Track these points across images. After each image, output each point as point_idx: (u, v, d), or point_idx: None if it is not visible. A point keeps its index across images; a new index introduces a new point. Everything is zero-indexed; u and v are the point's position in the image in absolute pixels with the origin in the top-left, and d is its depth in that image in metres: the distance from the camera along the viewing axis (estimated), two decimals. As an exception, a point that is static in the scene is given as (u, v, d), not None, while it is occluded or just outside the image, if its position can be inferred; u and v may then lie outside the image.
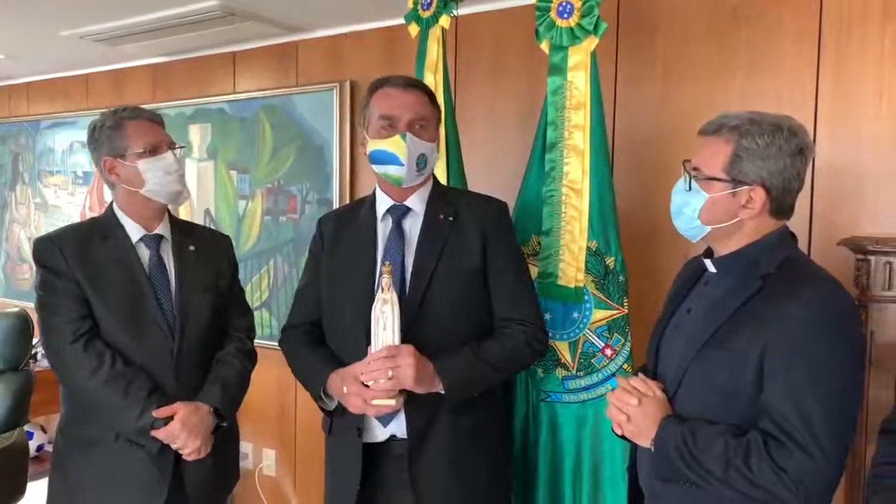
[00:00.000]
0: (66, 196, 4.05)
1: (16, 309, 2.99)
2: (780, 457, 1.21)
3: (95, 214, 2.58)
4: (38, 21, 2.96)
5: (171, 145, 1.83)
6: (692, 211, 1.36)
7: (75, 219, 3.81)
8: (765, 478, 1.21)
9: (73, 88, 3.97)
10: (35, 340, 2.97)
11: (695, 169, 1.36)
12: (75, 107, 3.96)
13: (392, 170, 1.66)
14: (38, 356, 3.51)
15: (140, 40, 3.13)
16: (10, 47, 3.44)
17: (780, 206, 1.34)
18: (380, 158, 1.67)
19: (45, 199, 4.16)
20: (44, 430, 3.85)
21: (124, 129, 1.78)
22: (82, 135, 3.86)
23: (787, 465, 1.20)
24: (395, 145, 1.63)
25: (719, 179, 1.33)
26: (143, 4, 2.72)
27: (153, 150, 1.79)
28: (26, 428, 2.91)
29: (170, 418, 1.71)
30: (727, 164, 1.32)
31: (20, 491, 2.74)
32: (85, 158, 3.92)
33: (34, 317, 1.95)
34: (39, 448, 3.72)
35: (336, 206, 2.93)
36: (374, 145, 1.67)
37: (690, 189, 1.36)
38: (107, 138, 1.79)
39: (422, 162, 1.66)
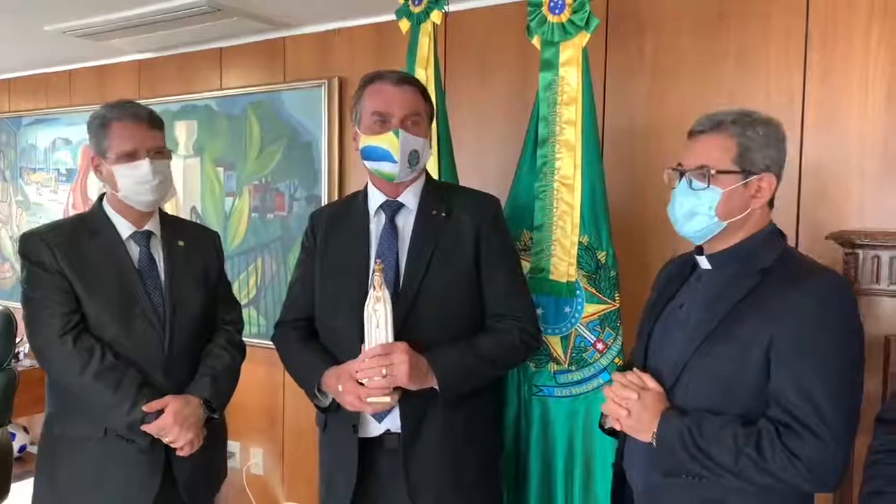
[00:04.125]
0: (48, 194, 3.99)
1: (-2, 307, 2.94)
2: (792, 444, 1.23)
3: (79, 212, 2.54)
4: (21, 15, 2.91)
5: (151, 151, 1.74)
6: (708, 209, 1.35)
7: (58, 216, 3.76)
8: (778, 465, 1.23)
9: (56, 84, 3.92)
10: (18, 339, 2.93)
11: (700, 167, 1.36)
12: (58, 103, 3.90)
13: (385, 166, 1.65)
14: (21, 355, 3.46)
15: (125, 36, 3.09)
16: (-8, 42, 3.39)
17: (774, 194, 1.38)
18: (372, 154, 1.65)
19: (27, 197, 4.10)
20: (26, 430, 3.80)
21: (108, 129, 1.73)
22: (65, 131, 3.84)
23: (800, 452, 1.22)
24: (387, 142, 1.62)
25: (731, 172, 1.34)
26: (128, -1, 2.70)
27: (130, 157, 1.72)
28: (8, 429, 2.87)
29: (161, 412, 1.69)
30: (737, 156, 1.34)
31: (4, 492, 2.70)
32: (68, 156, 3.87)
33: (18, 315, 1.92)
34: (22, 449, 3.67)
35: (325, 203, 2.91)
36: (366, 141, 1.65)
37: (702, 188, 1.35)
38: (94, 135, 1.76)
39: (414, 158, 1.65)
